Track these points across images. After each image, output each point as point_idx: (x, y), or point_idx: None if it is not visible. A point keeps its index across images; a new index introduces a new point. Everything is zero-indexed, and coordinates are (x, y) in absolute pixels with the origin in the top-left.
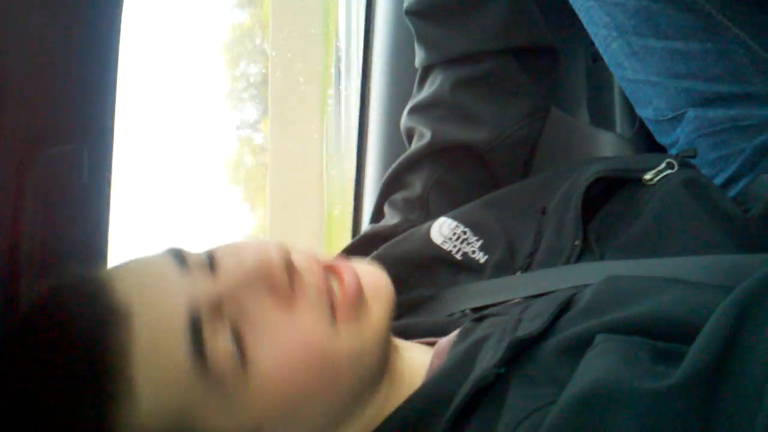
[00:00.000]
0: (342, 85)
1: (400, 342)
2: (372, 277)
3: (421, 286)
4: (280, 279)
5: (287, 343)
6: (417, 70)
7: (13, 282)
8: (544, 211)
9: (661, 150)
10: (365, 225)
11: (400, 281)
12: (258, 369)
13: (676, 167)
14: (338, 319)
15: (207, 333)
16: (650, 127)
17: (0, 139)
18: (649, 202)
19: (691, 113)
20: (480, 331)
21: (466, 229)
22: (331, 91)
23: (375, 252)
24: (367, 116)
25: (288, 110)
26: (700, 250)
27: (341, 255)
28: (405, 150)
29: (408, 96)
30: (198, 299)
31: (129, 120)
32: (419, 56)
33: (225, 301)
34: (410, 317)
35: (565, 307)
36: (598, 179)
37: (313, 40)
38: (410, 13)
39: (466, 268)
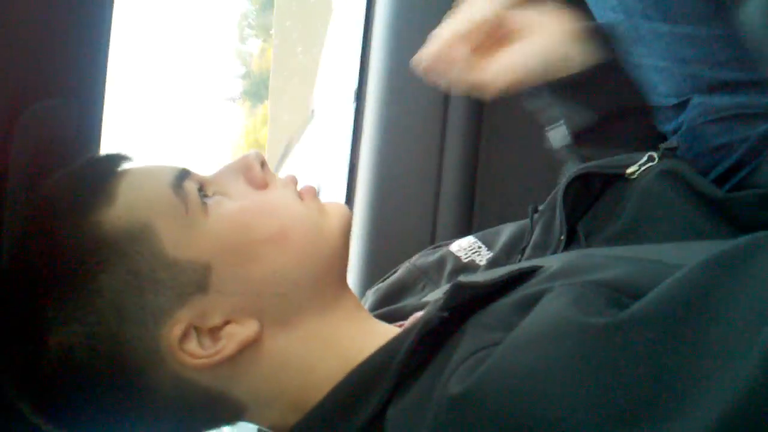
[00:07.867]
0: None
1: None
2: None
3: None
4: (256, 168)
5: (249, 200)
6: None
7: None
8: (536, 210)
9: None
10: None
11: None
12: (217, 210)
13: (656, 159)
14: (303, 197)
15: (188, 180)
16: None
17: None
18: (631, 195)
19: (695, 99)
20: None
21: (482, 244)
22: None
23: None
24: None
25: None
26: (682, 237)
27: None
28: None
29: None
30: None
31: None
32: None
33: (207, 181)
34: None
35: (529, 274)
36: (579, 176)
37: None
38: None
39: (466, 269)
